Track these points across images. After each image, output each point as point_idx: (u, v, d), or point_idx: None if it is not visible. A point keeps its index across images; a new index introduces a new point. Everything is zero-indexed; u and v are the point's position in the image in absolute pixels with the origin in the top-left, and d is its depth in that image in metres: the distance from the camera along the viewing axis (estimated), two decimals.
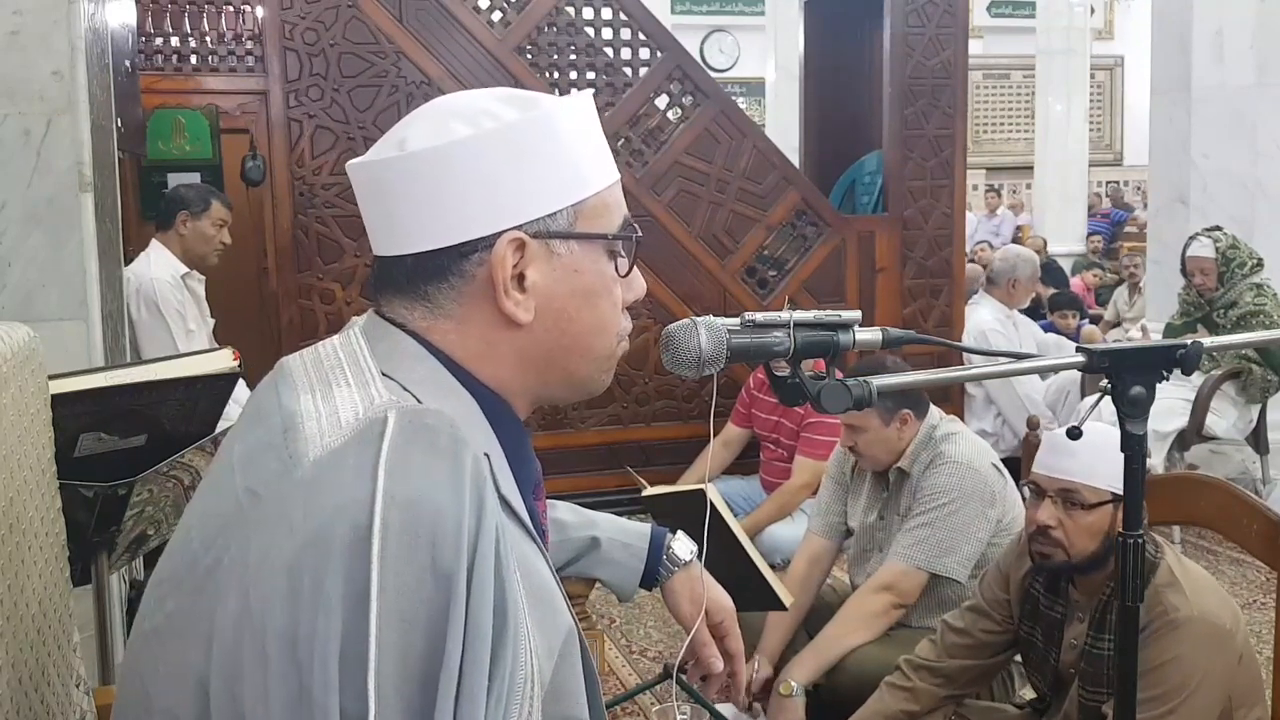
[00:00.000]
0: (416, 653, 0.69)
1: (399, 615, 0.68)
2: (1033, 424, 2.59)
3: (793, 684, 2.42)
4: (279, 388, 0.84)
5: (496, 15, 4.54)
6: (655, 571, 1.26)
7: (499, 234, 0.85)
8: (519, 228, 0.85)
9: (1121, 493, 1.84)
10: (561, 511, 1.27)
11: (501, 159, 0.85)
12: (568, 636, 0.87)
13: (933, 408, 2.64)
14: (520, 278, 0.86)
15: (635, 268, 0.94)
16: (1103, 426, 1.84)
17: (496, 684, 0.71)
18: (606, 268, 0.91)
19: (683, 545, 1.27)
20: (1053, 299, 7.22)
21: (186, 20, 4.36)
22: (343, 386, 0.81)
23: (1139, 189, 12.96)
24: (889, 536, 2.59)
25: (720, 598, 1.26)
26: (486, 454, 0.83)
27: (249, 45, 4.40)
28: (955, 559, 2.44)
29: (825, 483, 2.84)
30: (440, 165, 0.84)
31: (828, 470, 2.86)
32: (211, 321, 3.74)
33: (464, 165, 0.84)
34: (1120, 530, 1.32)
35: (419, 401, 0.82)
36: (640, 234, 0.94)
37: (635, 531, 1.27)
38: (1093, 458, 1.84)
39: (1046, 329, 6.13)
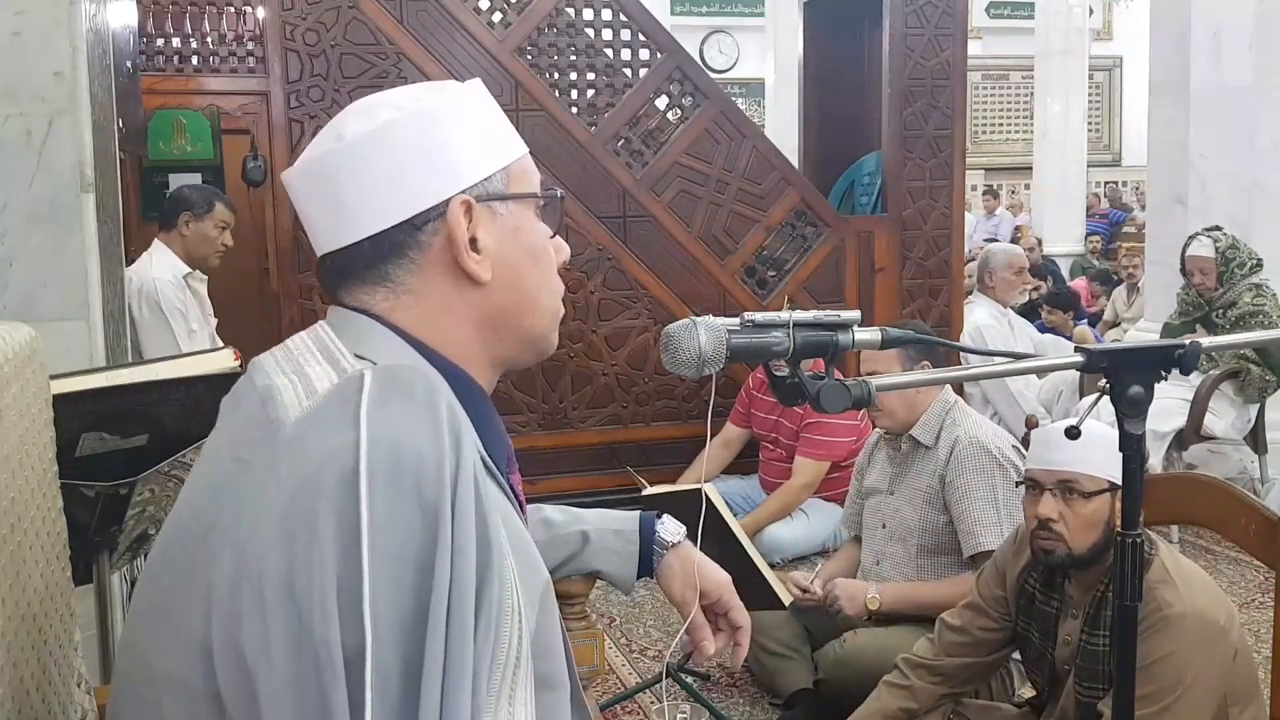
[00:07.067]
0: (408, 585, 0.71)
1: (390, 550, 0.70)
2: (1031, 423, 2.60)
3: (875, 595, 2.57)
4: (253, 375, 0.88)
5: (497, 16, 4.54)
6: (649, 555, 1.27)
7: (448, 200, 0.90)
8: (463, 192, 0.91)
9: (1118, 482, 1.87)
10: (549, 512, 1.30)
11: (432, 131, 0.90)
12: (545, 589, 0.90)
13: (947, 386, 2.72)
14: (473, 241, 0.91)
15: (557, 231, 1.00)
16: (1095, 423, 1.87)
17: (484, 615, 0.74)
18: (539, 226, 0.97)
19: (670, 526, 1.29)
20: (1047, 296, 7.34)
21: (188, 21, 4.36)
22: (314, 365, 0.85)
23: (1137, 190, 12.96)
24: (897, 514, 2.66)
25: (715, 574, 1.27)
26: None
27: (250, 46, 4.39)
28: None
29: (853, 483, 2.96)
30: (380, 146, 0.89)
31: (856, 464, 2.97)
32: (213, 321, 3.74)
33: (401, 141, 0.90)
34: (1119, 530, 1.32)
35: None
36: (562, 194, 1.01)
37: (623, 518, 1.30)
38: (1088, 449, 1.85)
39: (1041, 330, 6.15)
